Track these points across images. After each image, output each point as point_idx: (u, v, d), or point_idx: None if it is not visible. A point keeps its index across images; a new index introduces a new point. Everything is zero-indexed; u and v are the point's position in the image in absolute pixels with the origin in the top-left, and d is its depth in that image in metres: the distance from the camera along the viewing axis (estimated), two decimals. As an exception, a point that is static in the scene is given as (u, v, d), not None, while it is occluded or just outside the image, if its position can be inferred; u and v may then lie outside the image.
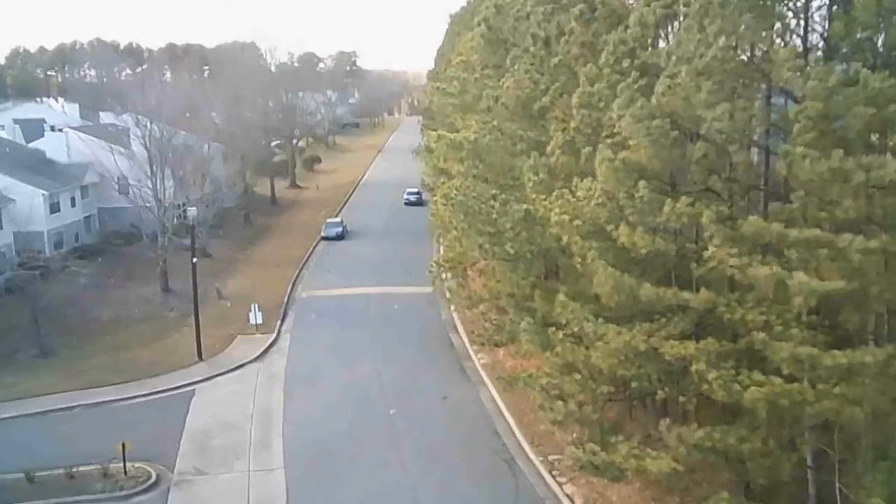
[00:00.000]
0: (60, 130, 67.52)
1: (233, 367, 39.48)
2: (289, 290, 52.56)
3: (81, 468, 28.81)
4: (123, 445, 28.69)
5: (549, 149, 25.43)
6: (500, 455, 30.44)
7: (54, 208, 57.03)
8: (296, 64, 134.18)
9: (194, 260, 40.80)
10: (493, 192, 26.22)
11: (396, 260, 58.57)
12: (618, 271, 20.19)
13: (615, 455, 20.89)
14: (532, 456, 30.00)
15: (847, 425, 17.53)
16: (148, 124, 54.22)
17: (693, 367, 18.45)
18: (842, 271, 15.72)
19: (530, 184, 25.12)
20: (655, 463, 19.67)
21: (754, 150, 21.19)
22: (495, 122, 29.12)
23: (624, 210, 20.37)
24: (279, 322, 46.15)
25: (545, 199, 23.79)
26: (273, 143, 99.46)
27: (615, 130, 21.46)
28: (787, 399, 16.45)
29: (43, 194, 55.18)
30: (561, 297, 23.30)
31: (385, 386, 36.68)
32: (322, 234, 67.76)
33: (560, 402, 23.41)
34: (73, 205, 60.22)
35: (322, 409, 34.49)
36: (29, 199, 53.01)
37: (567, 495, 27.24)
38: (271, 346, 42.60)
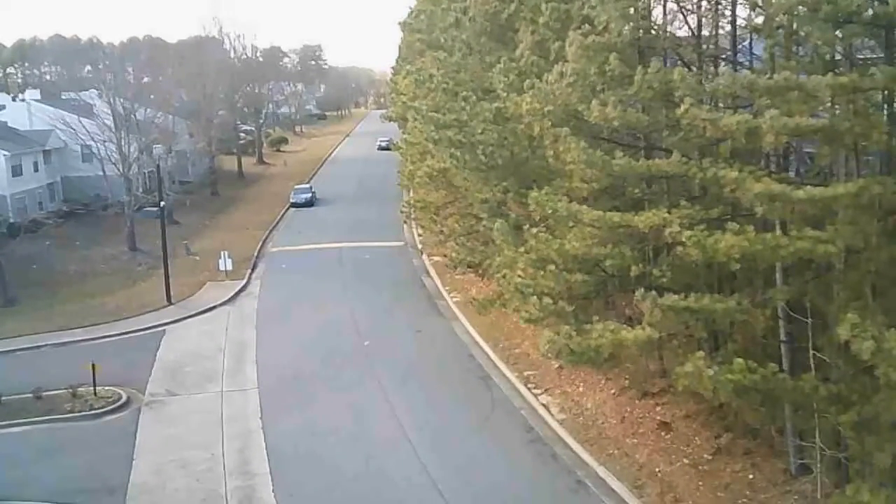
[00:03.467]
0: (23, 100, 66.33)
1: (203, 309, 39.08)
2: (258, 246, 52.17)
3: (50, 392, 28.33)
4: (93, 366, 28.29)
5: (517, 51, 25.44)
6: (475, 374, 30.42)
7: (16, 171, 56.01)
8: (260, 58, 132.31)
9: (161, 203, 40.33)
10: (464, 94, 26.15)
11: (367, 221, 58.19)
12: (590, 149, 20.25)
13: (590, 337, 20.85)
14: (507, 373, 30.00)
15: (820, 277, 17.77)
16: (112, 94, 53.71)
17: (667, 231, 18.50)
18: (812, 112, 15.89)
19: (500, 85, 25.13)
20: (632, 333, 19.67)
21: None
22: (464, 37, 29.07)
23: (595, 87, 20.45)
24: (249, 271, 45.83)
25: (517, 97, 23.79)
26: (241, 129, 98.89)
27: (584, 14, 21.56)
28: (760, 245, 16.55)
29: (4, 154, 54.17)
30: (533, 193, 23.29)
31: (358, 322, 36.44)
32: (291, 200, 67.27)
33: (535, 298, 23.32)
34: (36, 170, 59.22)
35: (295, 342, 34.17)
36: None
37: (543, 405, 27.28)
38: (241, 290, 42.27)
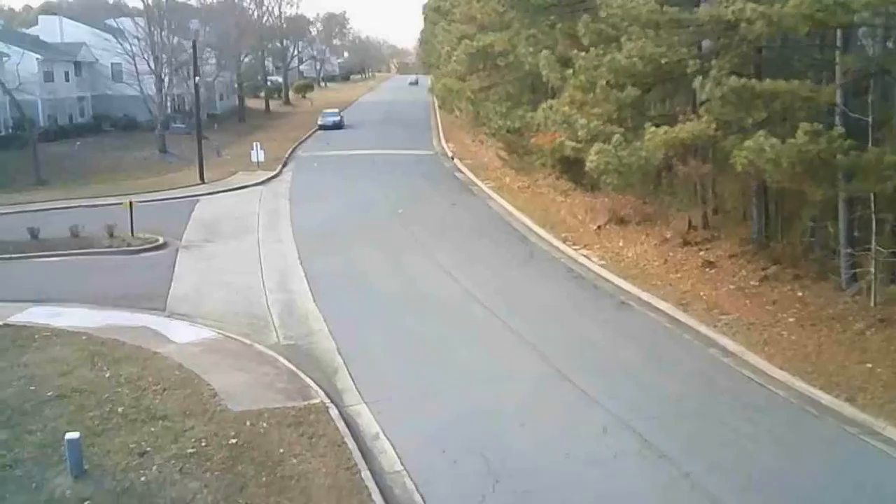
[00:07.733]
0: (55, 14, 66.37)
1: (236, 187, 39.10)
2: (288, 152, 52.07)
3: (87, 232, 28.23)
4: (130, 204, 28.12)
5: None
6: (512, 234, 30.14)
7: (48, 77, 55.83)
8: (284, 25, 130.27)
9: (196, 79, 40.06)
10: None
11: (396, 138, 58.34)
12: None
13: (642, 144, 20.33)
14: (544, 234, 29.61)
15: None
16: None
17: (729, 10, 17.98)
18: None
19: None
20: (686, 127, 19.29)
21: None
22: None
23: None
24: (281, 166, 45.78)
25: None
26: (268, 78, 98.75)
27: None
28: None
29: (37, 58, 53.99)
30: (584, 16, 22.79)
31: (392, 198, 36.17)
32: (319, 122, 67.09)
33: (583, 121, 22.78)
34: (67, 80, 59.10)
35: (329, 210, 33.88)
36: (22, 62, 51.20)
37: (583, 255, 26.86)
38: (274, 177, 42.23)
